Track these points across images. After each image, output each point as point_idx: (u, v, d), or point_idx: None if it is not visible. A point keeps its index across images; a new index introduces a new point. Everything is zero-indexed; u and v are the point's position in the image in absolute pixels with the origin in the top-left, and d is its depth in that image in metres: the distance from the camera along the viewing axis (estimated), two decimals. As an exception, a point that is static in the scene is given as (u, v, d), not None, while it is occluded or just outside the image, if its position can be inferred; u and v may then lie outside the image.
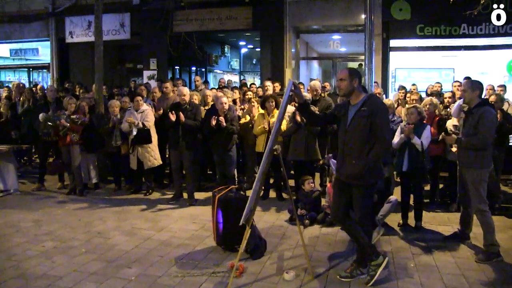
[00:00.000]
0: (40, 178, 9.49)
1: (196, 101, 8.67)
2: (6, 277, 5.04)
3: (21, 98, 11.44)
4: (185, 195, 8.33)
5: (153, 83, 12.70)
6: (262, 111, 8.30)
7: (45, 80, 17.64)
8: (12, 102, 11.27)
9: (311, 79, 15.37)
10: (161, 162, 8.81)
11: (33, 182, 9.80)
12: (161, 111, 8.95)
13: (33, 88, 12.20)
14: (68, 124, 8.60)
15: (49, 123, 8.71)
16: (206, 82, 12.88)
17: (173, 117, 7.84)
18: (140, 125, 8.38)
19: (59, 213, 7.63)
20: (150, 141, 8.49)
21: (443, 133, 6.47)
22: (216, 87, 12.60)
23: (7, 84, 15.96)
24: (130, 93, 11.40)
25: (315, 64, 18.49)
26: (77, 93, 11.64)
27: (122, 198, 8.64)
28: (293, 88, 4.88)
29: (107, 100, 10.16)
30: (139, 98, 8.65)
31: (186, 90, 8.22)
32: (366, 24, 8.96)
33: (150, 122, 8.52)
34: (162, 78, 13.03)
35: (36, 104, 10.27)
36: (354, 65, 15.33)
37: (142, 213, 7.56)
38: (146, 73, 14.66)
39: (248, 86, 11.50)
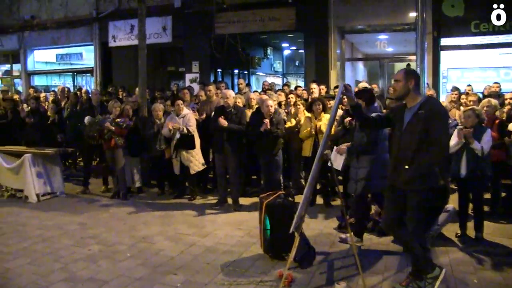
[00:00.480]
0: (84, 181, 9.65)
1: (240, 104, 8.64)
2: (54, 279, 5.14)
3: (66, 102, 11.77)
4: (229, 201, 8.30)
5: (195, 86, 12.77)
6: (308, 114, 8.18)
7: (89, 84, 18.05)
8: (58, 106, 11.58)
9: (357, 81, 15.16)
10: (205, 166, 8.82)
11: (77, 185, 9.98)
12: (204, 115, 8.93)
13: (78, 92, 12.49)
14: (113, 128, 8.72)
15: (95, 127, 8.86)
16: (248, 85, 12.84)
17: (224, 123, 7.81)
18: (185, 130, 8.39)
19: (104, 217, 7.72)
20: (194, 147, 8.51)
21: (506, 137, 6.17)
22: (259, 90, 12.55)
23: (53, 89, 16.49)
24: (173, 96, 11.49)
25: (360, 65, 18.21)
26: (120, 97, 11.82)
27: (166, 202, 8.67)
28: (344, 91, 4.75)
29: (150, 104, 10.28)
30: (180, 102, 8.67)
31: (230, 93, 8.20)
32: (418, 22, 8.70)
33: (193, 127, 8.53)
34: (204, 81, 13.05)
35: (81, 108, 10.50)
36: (402, 65, 14.99)
37: (186, 218, 7.55)
38: (188, 76, 14.76)
39: (293, 88, 11.39)
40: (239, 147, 8.07)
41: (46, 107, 11.50)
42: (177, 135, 8.40)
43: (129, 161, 9.30)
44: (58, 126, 10.90)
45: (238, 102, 8.56)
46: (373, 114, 5.43)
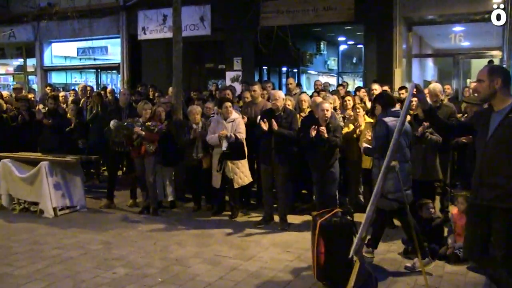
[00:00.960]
0: (109, 193, 9.86)
1: (290, 107, 8.68)
2: (75, 308, 5.23)
3: (89, 103, 12.05)
4: (276, 218, 8.33)
5: (237, 86, 12.89)
6: (369, 119, 8.12)
7: (114, 83, 18.39)
8: (79, 107, 11.82)
9: (426, 81, 14.99)
10: (251, 180, 8.90)
11: (100, 198, 10.21)
12: (246, 119, 9.03)
13: (102, 92, 12.77)
14: (143, 133, 8.89)
15: (122, 131, 9.01)
16: (299, 85, 12.88)
17: (265, 126, 7.87)
18: (233, 137, 8.47)
19: (131, 235, 7.86)
20: (244, 156, 8.61)
21: None
22: (310, 91, 12.56)
23: (73, 87, 16.83)
24: (211, 97, 11.62)
25: (430, 62, 18.00)
26: (151, 97, 12.04)
27: (203, 219, 8.78)
28: (415, 92, 4.71)
29: (185, 106, 10.41)
30: (229, 104, 8.75)
31: (280, 94, 8.27)
32: (507, 9, 8.37)
33: (243, 133, 8.60)
34: (247, 80, 13.15)
35: (106, 110, 10.75)
36: (481, 63, 14.72)
37: (226, 238, 7.62)
38: (229, 75, 14.87)
39: (356, 90, 11.38)
40: (288, 157, 8.11)
41: (65, 108, 11.75)
42: (225, 144, 8.44)
43: (160, 171, 9.48)
44: (79, 131, 11.12)
45: (288, 105, 8.60)
46: (390, 119, 6.05)
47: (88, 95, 12.59)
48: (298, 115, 8.68)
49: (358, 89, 11.37)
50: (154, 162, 9.09)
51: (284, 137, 7.98)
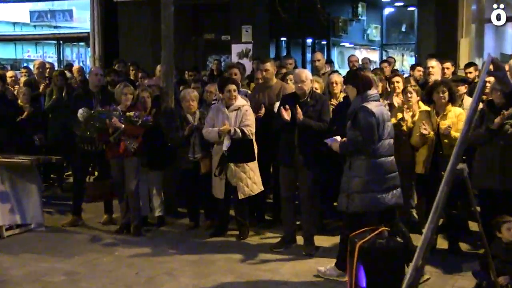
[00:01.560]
0: (75, 207, 9.88)
1: (319, 91, 8.65)
2: None
3: (47, 86, 11.99)
4: (299, 239, 8.34)
5: (247, 64, 12.88)
6: (426, 107, 8.12)
7: (82, 59, 18.41)
8: (36, 93, 11.81)
9: (505, 55, 14.89)
10: (262, 188, 8.88)
11: (64, 213, 10.26)
12: (263, 110, 9.03)
13: (66, 71, 12.75)
14: (123, 125, 8.87)
15: (93, 124, 8.98)
16: (330, 63, 12.84)
17: (287, 115, 7.84)
18: (238, 133, 8.47)
19: (105, 262, 7.88)
20: (252, 157, 8.61)
21: None
22: (345, 69, 12.54)
23: (26, 64, 16.79)
24: (212, 78, 11.64)
25: (510, 29, 17.83)
26: (133, 79, 12.04)
27: (201, 241, 8.81)
28: (491, 69, 4.69)
29: (177, 90, 10.43)
30: (233, 87, 8.72)
31: (306, 74, 8.20)
32: None
33: (251, 127, 8.59)
34: (260, 56, 13.15)
35: (71, 95, 10.69)
36: None
37: (232, 266, 7.64)
38: (236, 48, 14.87)
39: (410, 69, 11.39)
40: (317, 157, 8.07)
41: (15, 92, 11.77)
42: (226, 142, 8.47)
43: (145, 177, 9.53)
44: (35, 122, 11.08)
45: (316, 89, 8.56)
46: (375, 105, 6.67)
47: (46, 75, 12.62)
48: (331, 102, 8.69)
49: (413, 67, 11.31)
50: (137, 164, 9.12)
51: (312, 131, 7.96)
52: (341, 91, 8.95)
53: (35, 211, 9.49)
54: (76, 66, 14.04)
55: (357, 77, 7.00)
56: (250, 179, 8.67)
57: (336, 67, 15.25)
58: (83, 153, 9.73)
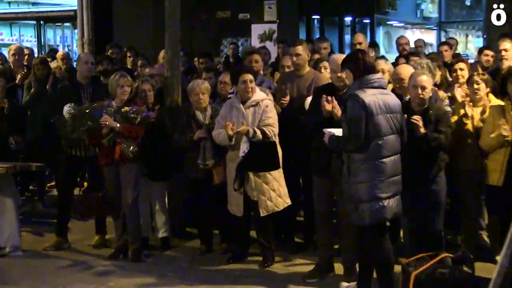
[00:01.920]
0: (60, 226, 9.87)
1: None
2: None
3: (26, 76, 11.91)
4: (338, 267, 8.28)
5: (271, 48, 12.83)
6: (498, 101, 8.09)
7: (68, 43, 18.45)
8: (11, 84, 11.79)
9: None
10: (289, 202, 8.83)
11: (46, 234, 10.29)
12: (287, 97, 9.02)
13: (49, 58, 12.84)
14: (118, 125, 8.83)
15: (83, 123, 8.90)
16: (374, 46, 12.89)
17: (329, 106, 7.78)
18: (258, 134, 8.41)
19: (97, 296, 7.91)
20: (277, 165, 8.57)
21: None
22: (393, 54, 12.49)
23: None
24: (227, 66, 11.58)
25: None
26: (130, 67, 12.05)
27: (215, 269, 8.77)
28: None
29: (185, 81, 10.42)
30: (249, 77, 8.66)
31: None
32: None
33: (274, 126, 8.55)
34: (287, 38, 13.13)
35: (55, 87, 10.72)
36: None
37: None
38: (257, 29, 14.85)
39: (464, 52, 11.32)
40: None
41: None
42: (244, 146, 8.42)
43: (146, 190, 9.53)
44: (10, 121, 11.06)
45: None
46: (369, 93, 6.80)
47: (25, 63, 12.58)
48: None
49: (480, 51, 11.22)
50: (136, 173, 9.09)
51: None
52: (389, 82, 8.85)
53: (10, 232, 9.45)
54: (60, 52, 13.96)
55: (355, 59, 7.11)
56: (274, 191, 8.61)
57: (382, 51, 15.15)
58: (70, 159, 9.73)
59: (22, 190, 11.91)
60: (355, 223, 7.12)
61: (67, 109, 9.17)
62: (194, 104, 9.20)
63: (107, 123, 8.76)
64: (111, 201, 9.35)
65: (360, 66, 6.94)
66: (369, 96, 6.70)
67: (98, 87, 9.88)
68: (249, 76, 8.68)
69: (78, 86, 9.85)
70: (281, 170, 8.70)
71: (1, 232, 9.37)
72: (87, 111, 8.97)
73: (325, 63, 9.36)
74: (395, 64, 10.33)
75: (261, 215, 8.61)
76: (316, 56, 10.51)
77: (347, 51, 13.32)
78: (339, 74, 7.93)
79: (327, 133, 7.22)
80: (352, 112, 6.76)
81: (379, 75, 7.16)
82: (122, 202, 9.11)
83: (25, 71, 12.07)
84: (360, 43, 11.41)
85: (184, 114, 9.36)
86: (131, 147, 8.83)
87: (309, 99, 8.53)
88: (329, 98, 7.79)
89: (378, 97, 6.77)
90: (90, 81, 9.94)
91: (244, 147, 8.42)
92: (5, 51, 13.86)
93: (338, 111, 7.68)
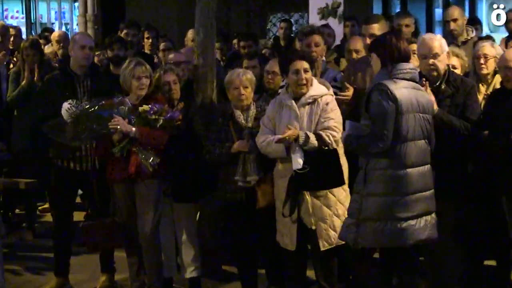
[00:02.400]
0: (58, 262, 9.88)
1: (458, 71, 8.72)
2: None
3: (13, 63, 12.21)
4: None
5: (336, 27, 12.97)
6: None
7: (66, 21, 18.55)
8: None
9: None
10: None
11: (40, 272, 10.35)
12: (351, 91, 9.07)
13: (41, 40, 13.01)
14: (134, 129, 8.80)
15: (87, 126, 8.87)
16: (475, 24, 12.99)
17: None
18: (312, 140, 8.33)
19: None
20: (341, 181, 8.54)
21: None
22: (501, 34, 12.49)
23: None
24: (278, 51, 11.56)
25: None
26: (147, 52, 12.15)
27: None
28: None
29: (222, 70, 10.40)
30: (303, 66, 8.60)
31: (440, 42, 8.20)
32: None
33: (336, 130, 8.48)
34: (356, 15, 13.24)
35: (50, 78, 10.53)
36: None
37: None
38: (316, 1, 14.84)
39: None
40: (459, 178, 8.17)
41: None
42: (298, 157, 8.33)
43: (170, 214, 9.51)
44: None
45: (454, 67, 8.61)
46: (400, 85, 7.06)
47: (10, 46, 12.73)
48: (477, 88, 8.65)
49: None
50: (157, 193, 9.08)
51: (452, 132, 7.96)
52: (495, 72, 8.83)
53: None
54: (56, 32, 14.00)
55: (384, 43, 7.35)
56: (338, 217, 8.55)
57: (486, 30, 15.07)
58: (63, 175, 9.73)
59: (6, 215, 11.96)
60: (347, 241, 7.49)
61: (66, 106, 8.98)
62: (233, 101, 9.12)
63: (119, 126, 8.69)
64: (123, 229, 9.33)
65: (390, 51, 7.11)
66: (401, 89, 6.89)
67: (98, 79, 9.90)
68: (304, 64, 8.61)
69: (72, 77, 9.78)
70: (347, 189, 8.62)
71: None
72: (92, 109, 8.87)
73: (413, 46, 9.18)
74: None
75: (322, 248, 8.55)
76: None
77: (438, 31, 13.25)
78: (430, 61, 7.91)
79: (350, 126, 7.44)
80: (377, 106, 6.92)
81: (412, 65, 7.40)
82: (138, 231, 9.12)
83: (12, 58, 12.14)
84: (455, 20, 11.39)
85: (220, 115, 9.32)
86: (151, 158, 8.77)
87: None
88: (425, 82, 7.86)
89: (411, 92, 6.94)
90: (87, 70, 9.87)
91: (298, 159, 8.31)
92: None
93: (434, 103, 7.80)
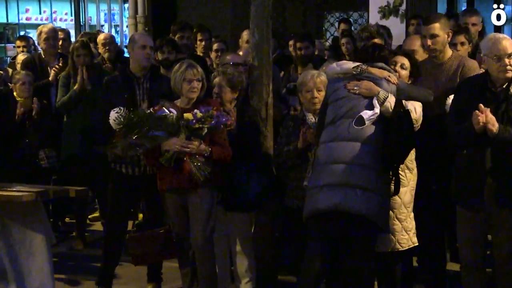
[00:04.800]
0: (104, 272, 9.94)
1: None
2: None
3: (62, 67, 12.11)
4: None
5: (397, 25, 12.71)
6: None
7: (116, 22, 18.57)
8: (44, 81, 12.02)
9: None
10: (416, 243, 8.82)
11: (85, 282, 10.39)
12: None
13: (91, 43, 12.88)
14: (186, 147, 8.65)
15: (138, 133, 8.80)
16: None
17: (482, 117, 7.62)
18: (390, 100, 8.18)
19: None
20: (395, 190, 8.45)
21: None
22: None
23: (23, 32, 17.57)
24: (336, 53, 11.48)
25: None
26: (200, 54, 12.14)
27: None
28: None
29: (277, 73, 10.30)
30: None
31: (510, 40, 8.01)
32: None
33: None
34: (420, 12, 13.12)
35: (108, 81, 10.37)
36: None
37: None
38: (376, 1, 14.77)
39: None
40: None
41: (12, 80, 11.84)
42: (370, 109, 8.20)
43: (224, 224, 9.47)
44: (40, 129, 11.30)
45: None
46: None
47: (59, 50, 12.76)
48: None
49: None
50: (211, 202, 9.02)
51: None
52: None
53: (40, 279, 9.44)
54: (102, 34, 13.96)
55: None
56: (400, 222, 8.62)
57: None
58: (120, 180, 9.75)
59: (56, 224, 11.95)
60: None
61: (114, 116, 8.95)
62: (305, 104, 9.11)
63: (172, 148, 8.64)
64: (175, 239, 9.27)
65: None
66: None
67: (159, 81, 9.85)
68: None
69: (131, 79, 9.83)
70: (413, 192, 8.67)
71: (28, 279, 9.36)
72: (144, 119, 8.77)
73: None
74: None
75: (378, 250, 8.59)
76: (461, 37, 10.23)
77: (507, 30, 13.16)
78: (507, 61, 7.76)
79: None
80: None
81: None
82: (191, 241, 9.08)
83: (60, 64, 12.10)
84: None
85: (292, 119, 9.37)
86: (203, 168, 8.74)
87: (450, 99, 8.45)
88: (481, 106, 7.57)
89: None
90: (148, 72, 9.90)
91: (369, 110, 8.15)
92: (33, 34, 13.93)
93: (494, 125, 7.55)
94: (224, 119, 8.83)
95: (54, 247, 10.28)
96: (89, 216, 12.66)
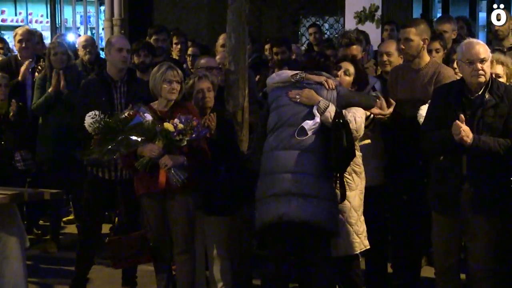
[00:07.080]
0: (78, 276, 9.91)
1: (503, 80, 8.59)
2: None
3: (39, 68, 12.16)
4: None
5: (373, 32, 12.75)
6: None
7: (92, 25, 18.54)
8: (16, 80, 11.99)
9: None
10: (367, 246, 8.93)
11: (60, 284, 10.35)
12: (389, 110, 9.02)
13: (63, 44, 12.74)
14: (161, 146, 8.66)
15: (113, 148, 8.75)
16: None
17: (464, 130, 7.68)
18: (330, 109, 8.26)
19: None
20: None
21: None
22: None
23: (1, 35, 17.28)
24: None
25: None
26: (176, 58, 12.16)
27: None
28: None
29: (253, 78, 10.33)
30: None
31: (483, 45, 8.13)
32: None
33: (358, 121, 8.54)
34: (394, 19, 13.09)
35: (85, 84, 10.36)
36: None
37: None
38: (352, 4, 14.84)
39: None
40: (497, 196, 7.97)
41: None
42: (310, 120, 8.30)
43: (201, 228, 9.44)
44: (15, 131, 11.34)
45: (498, 76, 8.53)
46: None
47: (34, 52, 12.74)
48: None
49: None
50: (190, 206, 9.00)
51: (493, 155, 7.82)
52: None
53: (15, 282, 9.41)
54: (83, 36, 13.97)
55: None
56: (351, 226, 8.79)
57: None
58: (97, 184, 9.74)
59: (30, 227, 11.92)
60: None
61: (89, 121, 8.96)
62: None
63: (149, 154, 8.60)
64: (153, 244, 9.23)
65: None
66: None
67: (136, 84, 9.86)
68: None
69: (108, 82, 9.80)
70: (362, 195, 8.86)
71: (2, 282, 9.32)
72: (119, 124, 8.75)
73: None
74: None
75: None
76: (436, 44, 10.28)
77: (481, 36, 13.23)
78: (479, 66, 7.82)
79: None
80: None
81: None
82: (169, 246, 9.12)
83: (38, 66, 12.08)
84: (499, 20, 11.47)
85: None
86: (180, 173, 8.70)
87: (422, 109, 8.54)
88: (461, 116, 7.67)
89: None
90: (125, 75, 9.88)
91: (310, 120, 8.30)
92: (8, 36, 13.89)
93: (468, 136, 7.62)
94: (203, 132, 8.85)
95: (28, 250, 10.25)
96: (64, 219, 12.60)
